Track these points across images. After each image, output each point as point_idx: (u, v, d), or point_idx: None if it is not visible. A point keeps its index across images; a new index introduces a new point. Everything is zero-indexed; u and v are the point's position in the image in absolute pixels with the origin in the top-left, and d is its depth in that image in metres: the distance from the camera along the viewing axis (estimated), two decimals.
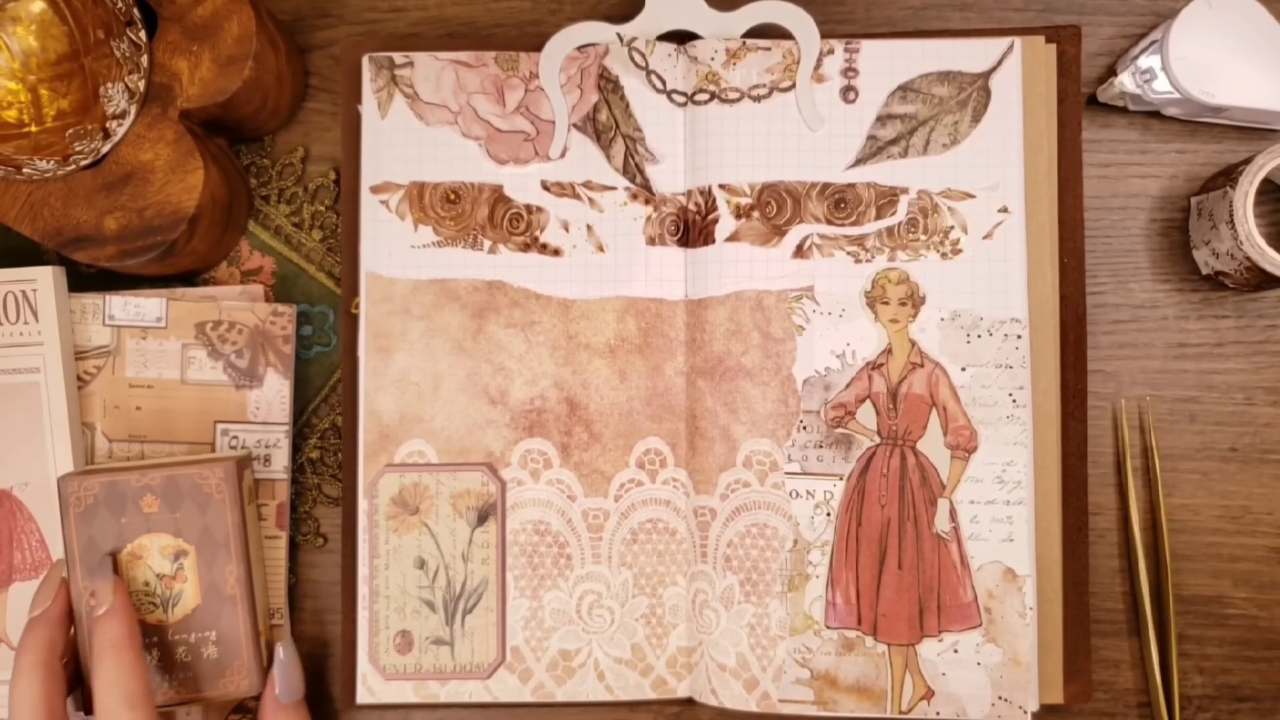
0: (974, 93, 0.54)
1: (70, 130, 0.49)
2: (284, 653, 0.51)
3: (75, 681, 0.48)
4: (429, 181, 0.55)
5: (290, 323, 0.55)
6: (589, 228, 0.55)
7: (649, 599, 0.54)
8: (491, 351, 0.55)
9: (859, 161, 0.54)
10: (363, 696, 0.54)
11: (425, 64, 0.55)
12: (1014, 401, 0.53)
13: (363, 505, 0.54)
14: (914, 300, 0.53)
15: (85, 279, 0.56)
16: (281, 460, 0.55)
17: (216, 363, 0.54)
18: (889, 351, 0.53)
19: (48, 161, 0.50)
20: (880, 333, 0.53)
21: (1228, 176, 0.53)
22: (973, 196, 0.54)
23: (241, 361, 0.54)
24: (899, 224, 0.54)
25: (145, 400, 0.54)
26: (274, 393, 0.54)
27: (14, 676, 0.46)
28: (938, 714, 0.52)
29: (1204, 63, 0.53)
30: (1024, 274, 0.53)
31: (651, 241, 0.55)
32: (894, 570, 0.53)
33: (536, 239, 0.55)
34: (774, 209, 0.54)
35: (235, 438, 0.54)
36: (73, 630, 0.48)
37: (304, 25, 0.58)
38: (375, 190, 0.55)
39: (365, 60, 0.55)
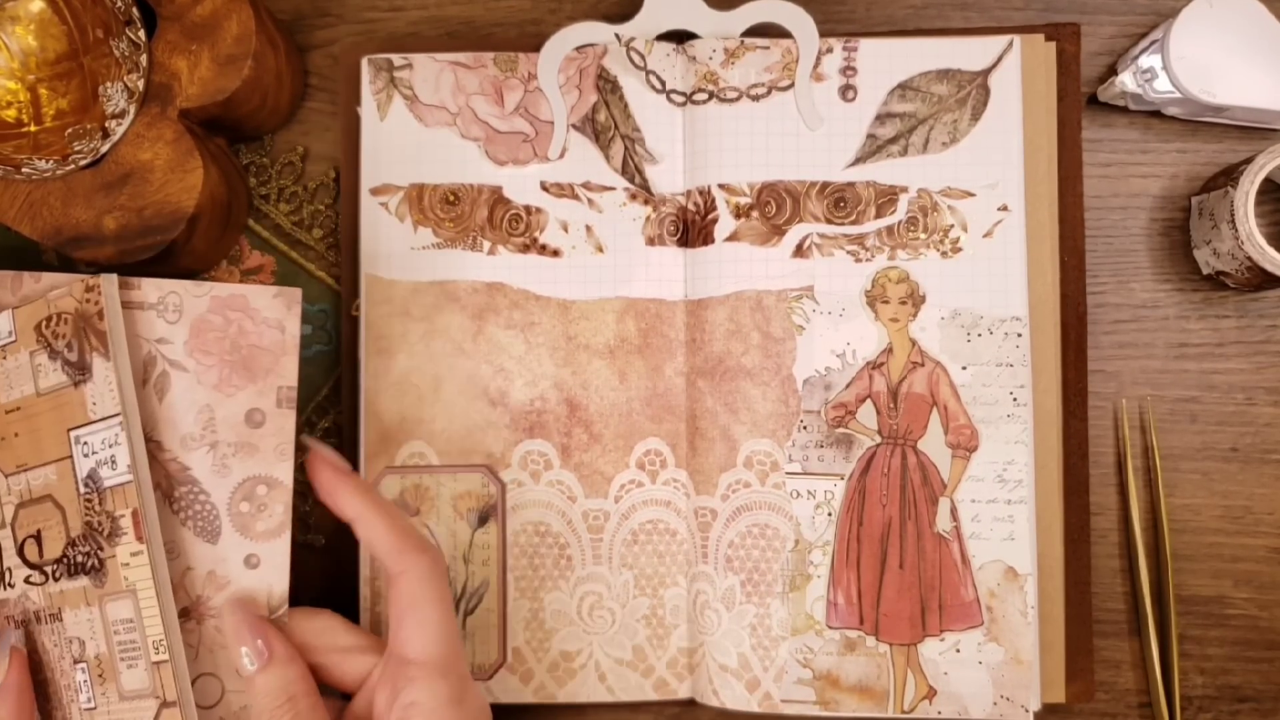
0: (973, 91, 0.54)
1: (69, 130, 0.49)
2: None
3: None
4: (428, 183, 0.55)
5: (104, 294, 0.45)
6: (588, 228, 0.55)
7: (650, 600, 0.54)
8: (491, 353, 0.54)
9: (858, 160, 0.54)
10: None
11: (424, 65, 0.55)
12: (1015, 400, 0.53)
13: None
14: (914, 299, 0.53)
15: None
16: (124, 458, 0.44)
17: (55, 362, 0.46)
18: (889, 351, 0.53)
19: (47, 161, 0.50)
20: (880, 332, 0.53)
21: (1229, 176, 0.52)
22: (973, 195, 0.54)
23: (72, 354, 0.45)
24: (899, 223, 0.54)
25: (19, 424, 0.47)
26: (102, 380, 0.45)
27: None
28: (940, 713, 0.52)
29: (1205, 62, 0.53)
30: (1024, 272, 0.53)
31: (651, 242, 0.54)
32: (895, 570, 0.53)
33: (536, 240, 0.55)
34: (773, 208, 0.54)
35: (85, 443, 0.45)
36: None
37: (303, 24, 0.58)
38: (375, 192, 0.55)
39: (364, 62, 0.55)
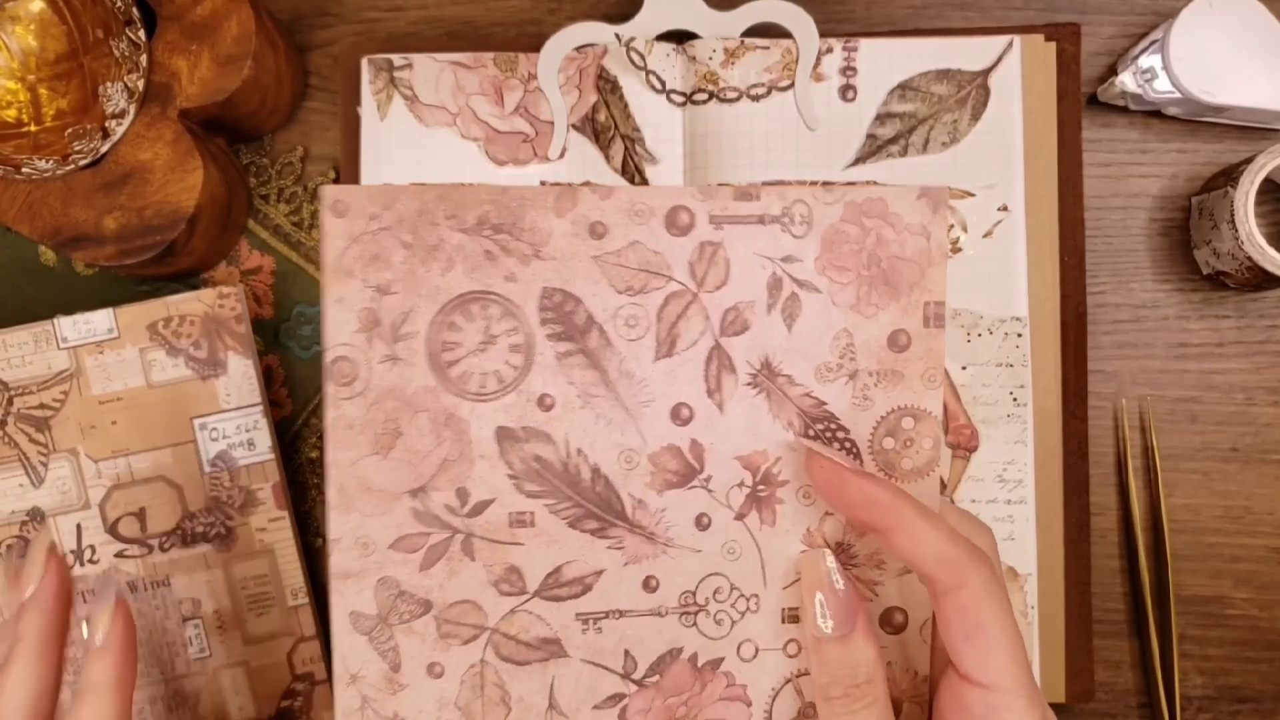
0: (973, 91, 0.54)
1: (69, 130, 0.49)
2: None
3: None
4: (428, 183, 0.55)
5: (239, 301, 0.53)
6: None
7: None
8: None
9: (858, 160, 0.54)
10: None
11: (424, 66, 0.55)
12: (1015, 400, 0.53)
13: None
14: None
15: (28, 309, 0.56)
16: (265, 440, 0.54)
17: (176, 359, 0.53)
18: None
19: (47, 161, 0.50)
20: None
21: (1229, 176, 0.52)
22: (972, 195, 0.54)
23: (200, 352, 0.53)
24: None
25: (119, 414, 0.53)
26: (240, 375, 0.53)
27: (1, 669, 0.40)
28: None
29: (1205, 62, 0.53)
30: (1024, 273, 0.53)
31: None
32: None
33: None
34: None
35: (214, 429, 0.53)
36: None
37: (303, 24, 0.58)
38: None
39: (364, 63, 0.55)
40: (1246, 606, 0.56)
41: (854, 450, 0.37)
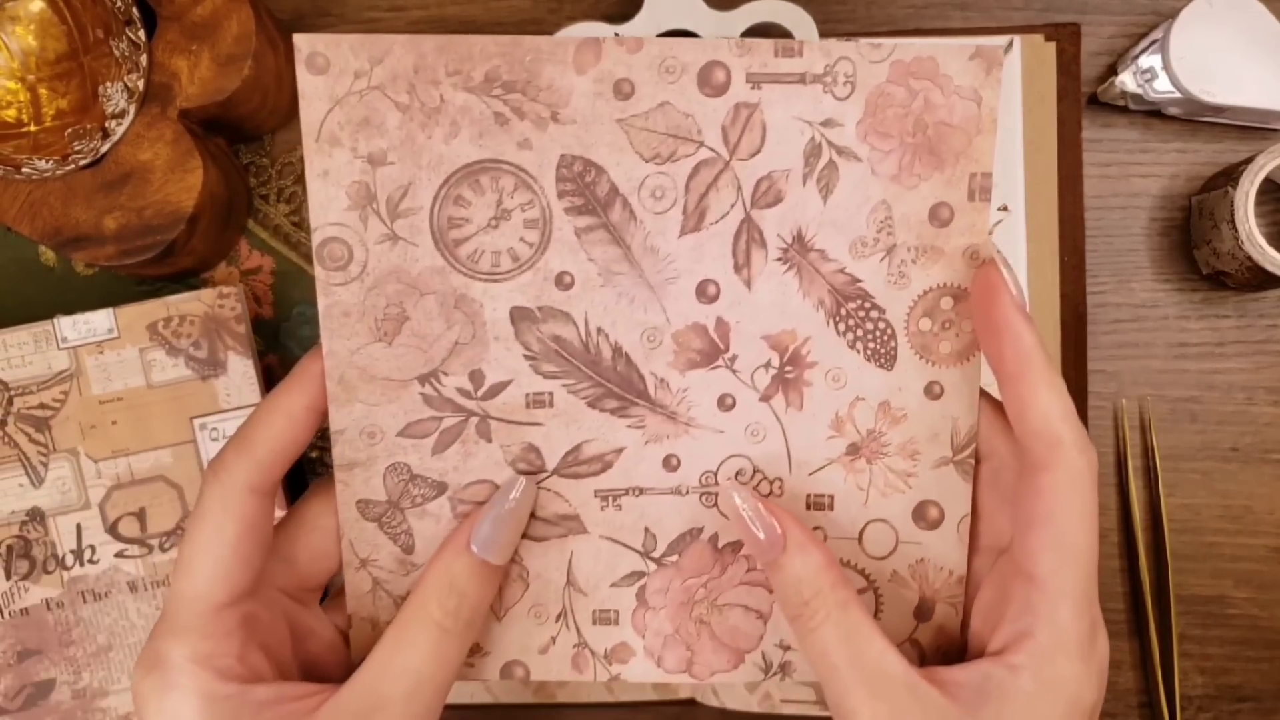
0: None
1: (69, 130, 0.49)
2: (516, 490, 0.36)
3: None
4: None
5: (239, 301, 0.53)
6: None
7: None
8: None
9: None
10: None
11: None
12: None
13: None
14: None
15: (28, 309, 0.56)
16: None
17: (176, 359, 0.53)
18: None
19: (47, 161, 0.50)
20: None
21: (1229, 176, 0.52)
22: None
23: (200, 352, 0.53)
24: None
25: (119, 413, 0.53)
26: (240, 375, 0.53)
27: (193, 515, 0.33)
28: None
29: (1205, 62, 0.53)
30: (1025, 272, 0.53)
31: None
32: None
33: None
34: None
35: (214, 429, 0.53)
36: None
37: (303, 24, 0.58)
38: None
39: None
40: (1247, 606, 0.56)
41: (889, 331, 0.35)
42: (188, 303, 0.53)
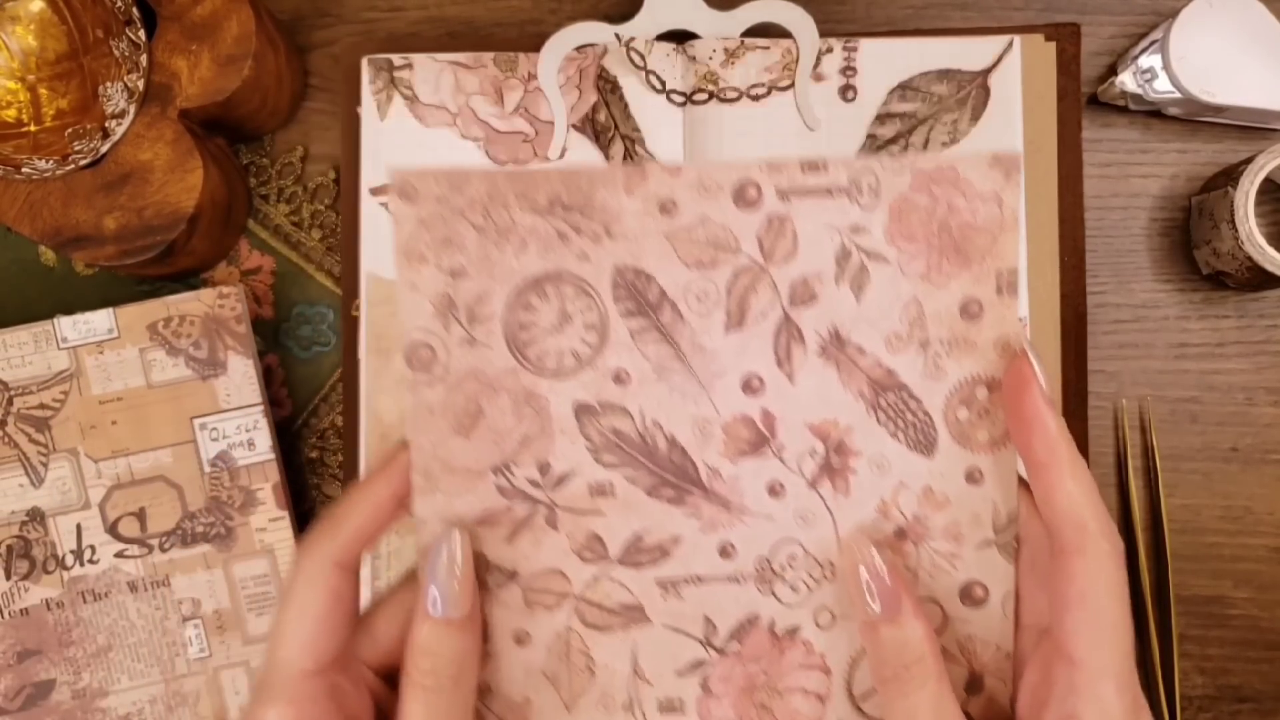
0: (973, 91, 0.54)
1: (69, 130, 0.49)
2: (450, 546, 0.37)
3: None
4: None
5: (239, 301, 0.54)
6: None
7: None
8: None
9: None
10: None
11: (424, 66, 0.55)
12: None
13: None
14: None
15: (28, 309, 0.56)
16: (265, 440, 0.54)
17: (176, 359, 0.53)
18: None
19: (47, 161, 0.50)
20: None
21: (1229, 176, 0.52)
22: None
23: (200, 352, 0.53)
24: None
25: (119, 413, 0.53)
26: (240, 375, 0.54)
27: (285, 587, 0.35)
28: None
29: (1205, 62, 0.53)
30: (1024, 272, 0.53)
31: None
32: None
33: None
34: None
35: (214, 429, 0.53)
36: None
37: (303, 24, 0.58)
38: (375, 192, 0.55)
39: (364, 62, 0.55)
40: (1247, 606, 0.56)
41: (928, 421, 0.37)
42: (188, 303, 0.53)
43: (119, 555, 0.53)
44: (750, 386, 0.36)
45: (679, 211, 0.35)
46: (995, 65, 0.54)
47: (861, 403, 0.37)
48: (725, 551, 0.37)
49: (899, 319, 0.36)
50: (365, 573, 0.54)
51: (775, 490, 0.37)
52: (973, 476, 0.37)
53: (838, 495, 0.37)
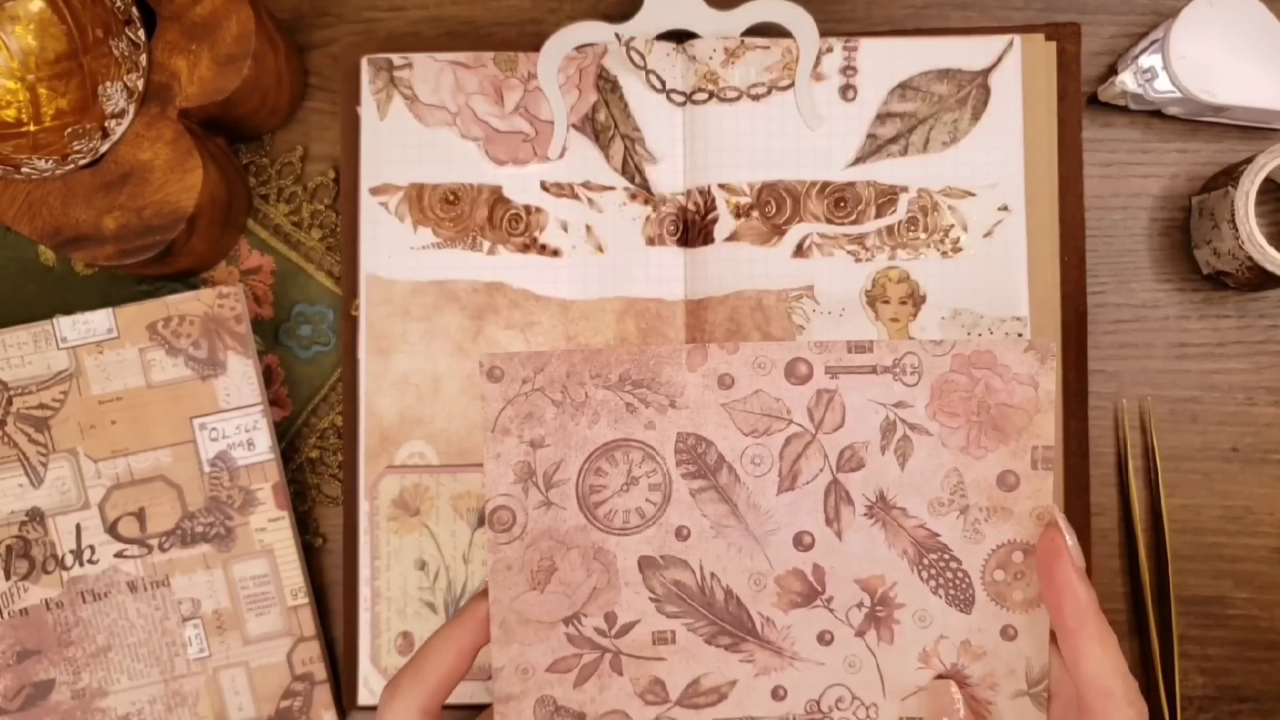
0: (973, 90, 0.54)
1: (69, 129, 0.49)
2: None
3: None
4: (428, 183, 0.55)
5: (239, 301, 0.54)
6: (588, 228, 0.55)
7: None
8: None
9: (858, 160, 0.54)
10: (364, 698, 0.54)
11: (424, 65, 0.55)
12: None
13: (364, 507, 0.54)
14: (914, 299, 0.53)
15: (28, 308, 0.56)
16: (264, 440, 0.54)
17: (176, 359, 0.53)
18: None
19: (46, 161, 0.50)
20: (880, 332, 0.53)
21: (1229, 176, 0.52)
22: (973, 195, 0.53)
23: (200, 352, 0.53)
24: (899, 222, 0.54)
25: (118, 413, 0.53)
26: (240, 375, 0.54)
27: None
28: None
29: (1205, 62, 0.53)
30: (1025, 272, 0.53)
31: (651, 242, 0.54)
32: None
33: (535, 240, 0.55)
34: (773, 208, 0.54)
35: (214, 429, 0.53)
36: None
37: (303, 24, 0.58)
38: (375, 192, 0.55)
39: (364, 62, 0.55)
40: (1247, 606, 0.55)
41: (967, 580, 0.40)
42: (187, 303, 0.53)
43: (118, 555, 0.53)
44: (802, 543, 0.40)
45: (736, 385, 0.39)
46: (995, 65, 0.54)
47: (905, 560, 0.40)
48: (777, 694, 0.40)
49: (940, 486, 0.40)
50: (365, 573, 0.54)
51: (824, 638, 0.40)
52: (1007, 633, 0.40)
53: (882, 643, 0.40)
